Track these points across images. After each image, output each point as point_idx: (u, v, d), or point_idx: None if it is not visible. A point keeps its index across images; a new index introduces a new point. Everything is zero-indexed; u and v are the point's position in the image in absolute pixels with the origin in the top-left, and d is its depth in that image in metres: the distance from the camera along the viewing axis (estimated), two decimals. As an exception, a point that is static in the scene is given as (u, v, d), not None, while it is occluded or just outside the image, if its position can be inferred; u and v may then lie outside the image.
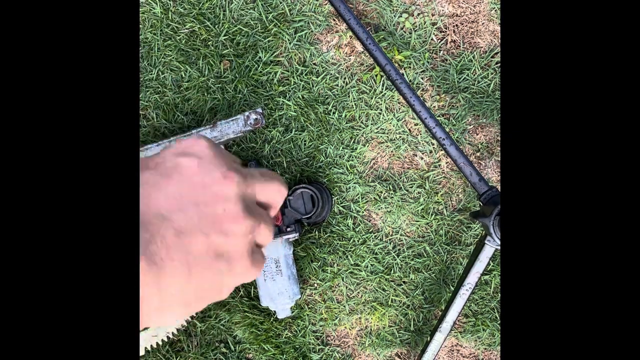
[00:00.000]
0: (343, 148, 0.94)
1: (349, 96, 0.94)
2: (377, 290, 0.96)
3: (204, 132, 0.83)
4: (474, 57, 0.92)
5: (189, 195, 0.25)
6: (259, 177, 0.29)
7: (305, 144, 0.95)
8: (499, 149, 0.94)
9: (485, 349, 0.97)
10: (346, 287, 0.97)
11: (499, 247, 0.75)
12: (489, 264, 0.79)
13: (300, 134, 0.94)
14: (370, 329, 0.98)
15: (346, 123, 0.94)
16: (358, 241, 0.96)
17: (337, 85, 0.94)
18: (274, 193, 0.30)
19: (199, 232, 0.25)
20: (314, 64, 0.94)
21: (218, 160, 0.27)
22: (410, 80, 0.93)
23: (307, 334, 0.98)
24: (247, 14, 0.94)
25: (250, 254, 0.28)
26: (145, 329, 0.81)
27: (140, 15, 0.95)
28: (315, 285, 0.97)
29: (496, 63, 0.92)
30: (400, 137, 0.94)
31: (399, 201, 0.94)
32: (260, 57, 0.94)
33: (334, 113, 0.94)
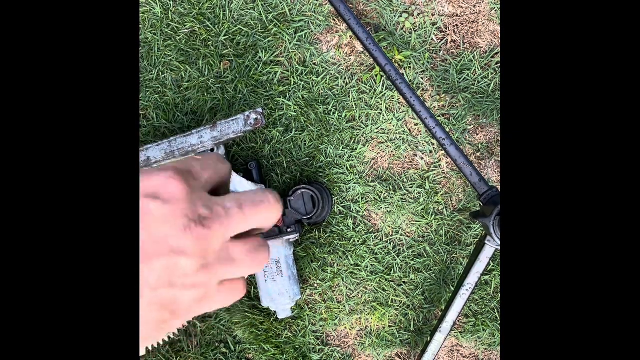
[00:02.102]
0: (343, 148, 0.94)
1: (349, 96, 0.94)
2: (377, 290, 0.96)
3: (204, 132, 0.83)
4: (474, 57, 0.92)
5: (145, 247, 0.25)
6: (242, 207, 0.28)
7: (305, 144, 0.95)
8: (499, 149, 0.94)
9: (485, 349, 0.97)
10: (346, 287, 0.97)
11: (499, 247, 0.75)
12: (489, 264, 0.78)
13: (300, 134, 0.94)
14: (370, 329, 0.98)
15: (346, 123, 0.94)
16: (358, 241, 0.96)
17: (337, 85, 0.94)
18: (261, 220, 0.29)
19: (146, 287, 0.25)
20: (314, 64, 0.94)
21: (186, 206, 0.26)
22: (410, 80, 0.93)
23: (307, 334, 0.98)
24: (247, 14, 0.94)
25: (205, 298, 0.27)
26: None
27: (140, 15, 0.95)
28: (316, 285, 0.97)
29: (496, 63, 0.92)
30: (400, 137, 0.94)
31: (399, 201, 0.94)
32: (260, 57, 0.94)
33: (334, 113, 0.94)
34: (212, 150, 0.88)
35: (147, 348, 0.27)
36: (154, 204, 0.25)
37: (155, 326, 0.26)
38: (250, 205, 0.28)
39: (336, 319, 0.98)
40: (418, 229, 0.95)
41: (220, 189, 0.31)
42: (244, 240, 0.28)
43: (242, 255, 0.28)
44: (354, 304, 0.97)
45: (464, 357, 0.98)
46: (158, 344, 0.28)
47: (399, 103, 0.93)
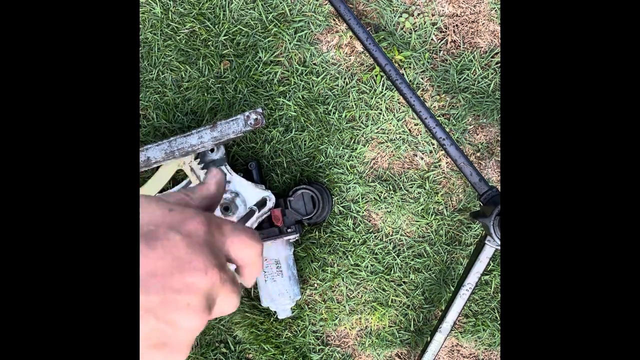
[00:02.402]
0: (343, 148, 0.94)
1: (349, 96, 0.94)
2: (377, 290, 0.96)
3: (204, 132, 0.83)
4: (474, 57, 0.92)
5: (162, 275, 0.25)
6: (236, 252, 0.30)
7: (305, 144, 0.95)
8: (499, 149, 0.94)
9: (485, 349, 0.97)
10: (346, 287, 0.97)
11: (499, 247, 0.75)
12: (489, 264, 0.78)
13: (300, 134, 0.94)
14: (371, 329, 0.98)
15: (346, 123, 0.94)
16: (358, 241, 0.96)
17: (337, 85, 0.94)
18: (248, 263, 0.31)
19: (152, 315, 0.25)
20: (314, 64, 0.94)
21: (205, 249, 0.27)
22: (410, 81, 0.93)
23: (307, 334, 0.98)
24: (247, 14, 0.94)
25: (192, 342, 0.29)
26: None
27: (140, 15, 0.95)
28: (316, 285, 0.97)
29: (496, 63, 0.92)
30: (400, 137, 0.94)
31: (399, 201, 0.94)
32: (260, 57, 0.94)
33: (334, 113, 0.94)
34: (212, 150, 0.88)
35: None
36: (179, 237, 0.27)
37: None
38: (243, 244, 0.30)
39: (336, 319, 0.98)
40: (418, 229, 0.95)
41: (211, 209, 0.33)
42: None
43: (228, 293, 0.29)
44: (354, 304, 0.97)
45: (464, 357, 0.98)
46: None
47: (399, 103, 0.93)
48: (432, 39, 0.92)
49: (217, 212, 0.86)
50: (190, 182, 0.90)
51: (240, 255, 0.30)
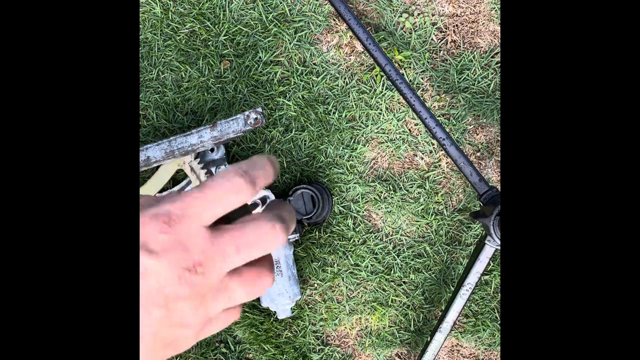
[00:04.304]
0: (343, 148, 0.94)
1: (349, 96, 0.94)
2: (377, 290, 0.96)
3: (204, 132, 0.83)
4: (474, 57, 0.92)
5: (143, 300, 0.25)
6: (239, 251, 0.27)
7: (305, 144, 0.95)
8: (499, 149, 0.94)
9: (485, 349, 0.97)
10: (346, 287, 0.97)
11: (499, 247, 0.75)
12: (489, 264, 0.78)
13: (300, 134, 0.94)
14: (371, 329, 0.98)
15: (346, 123, 0.94)
16: (358, 241, 0.96)
17: (337, 85, 0.94)
18: (262, 252, 0.28)
19: (148, 333, 0.26)
20: (314, 64, 0.94)
21: (179, 256, 0.26)
22: (410, 80, 0.93)
23: (307, 334, 0.98)
24: (247, 14, 0.94)
25: (203, 330, 0.28)
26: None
27: (140, 15, 0.95)
28: (316, 285, 0.97)
29: (496, 63, 0.92)
30: (400, 137, 0.94)
31: (399, 201, 0.94)
32: (260, 57, 0.94)
33: (334, 113, 0.94)
34: (212, 150, 0.88)
35: None
36: (147, 259, 0.25)
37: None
38: (248, 247, 0.27)
39: (336, 319, 0.98)
40: (418, 229, 0.95)
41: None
42: (242, 272, 0.28)
43: (240, 288, 0.28)
44: (354, 304, 0.97)
45: (464, 357, 0.98)
46: None
47: (399, 103, 0.93)
48: (432, 39, 0.92)
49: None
50: (190, 182, 0.90)
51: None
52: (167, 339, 0.27)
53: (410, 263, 0.95)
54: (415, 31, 0.92)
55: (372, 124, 0.94)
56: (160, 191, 0.90)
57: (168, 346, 0.27)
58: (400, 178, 0.95)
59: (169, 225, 0.26)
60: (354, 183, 0.95)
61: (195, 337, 0.28)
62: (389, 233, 0.96)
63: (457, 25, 0.93)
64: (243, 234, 0.27)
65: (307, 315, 0.98)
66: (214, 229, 0.27)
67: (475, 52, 0.92)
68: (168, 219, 0.26)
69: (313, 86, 0.94)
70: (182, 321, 0.27)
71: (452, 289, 0.95)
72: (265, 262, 0.30)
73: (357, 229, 0.96)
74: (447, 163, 0.94)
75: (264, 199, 0.86)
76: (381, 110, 0.93)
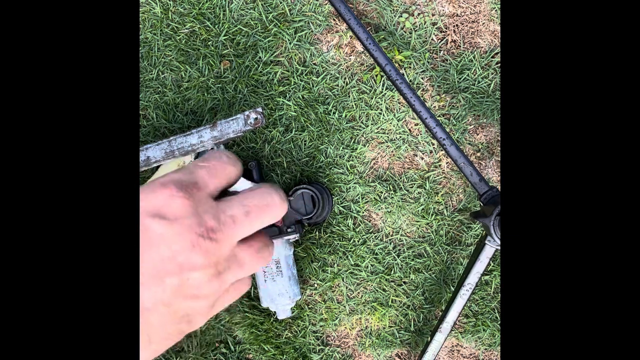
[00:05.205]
0: (343, 148, 0.94)
1: (349, 96, 0.93)
2: (377, 290, 0.96)
3: (204, 132, 0.83)
4: (474, 57, 0.92)
5: (155, 269, 0.25)
6: (248, 214, 0.28)
7: (305, 144, 0.95)
8: (499, 149, 0.94)
9: (485, 349, 0.97)
10: (346, 288, 0.97)
11: (499, 247, 0.75)
12: (489, 264, 0.78)
13: (300, 134, 0.94)
14: (371, 330, 0.98)
15: (346, 123, 0.94)
16: (358, 241, 0.96)
17: (337, 85, 0.94)
18: (266, 222, 0.29)
19: (160, 305, 0.25)
20: (314, 64, 0.94)
21: (192, 222, 0.26)
22: (410, 80, 0.93)
23: (307, 335, 0.98)
24: (247, 14, 0.94)
25: (217, 303, 0.28)
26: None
27: (140, 15, 0.95)
28: (316, 285, 0.97)
29: (496, 63, 0.92)
30: (400, 137, 0.94)
31: (399, 201, 0.94)
32: (260, 57, 0.94)
33: (334, 113, 0.94)
34: (212, 149, 0.88)
35: None
36: (159, 224, 0.25)
37: (174, 337, 0.27)
38: (256, 211, 0.28)
39: (336, 319, 0.98)
40: (418, 229, 0.95)
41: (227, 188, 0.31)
42: (249, 242, 0.29)
43: (250, 257, 0.29)
44: (354, 304, 0.97)
45: (464, 357, 0.98)
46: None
47: (399, 103, 0.93)
48: (432, 39, 0.92)
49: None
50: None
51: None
52: (181, 311, 0.26)
53: (410, 263, 0.95)
54: (415, 31, 0.92)
55: (372, 124, 0.94)
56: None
57: (182, 319, 0.26)
58: (401, 178, 0.94)
59: (180, 190, 0.26)
60: (354, 183, 0.95)
61: (208, 311, 0.27)
62: (389, 233, 0.96)
63: (457, 25, 0.92)
64: (251, 198, 0.28)
65: (307, 315, 0.98)
66: (221, 199, 0.28)
67: (475, 52, 0.92)
68: (180, 185, 0.26)
69: (313, 86, 0.94)
70: (196, 292, 0.26)
71: (452, 289, 0.95)
72: (265, 235, 0.31)
73: (357, 229, 0.96)
74: (447, 163, 0.94)
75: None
76: (381, 110, 0.93)
